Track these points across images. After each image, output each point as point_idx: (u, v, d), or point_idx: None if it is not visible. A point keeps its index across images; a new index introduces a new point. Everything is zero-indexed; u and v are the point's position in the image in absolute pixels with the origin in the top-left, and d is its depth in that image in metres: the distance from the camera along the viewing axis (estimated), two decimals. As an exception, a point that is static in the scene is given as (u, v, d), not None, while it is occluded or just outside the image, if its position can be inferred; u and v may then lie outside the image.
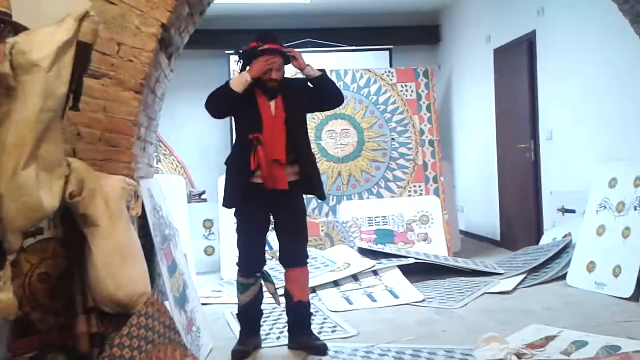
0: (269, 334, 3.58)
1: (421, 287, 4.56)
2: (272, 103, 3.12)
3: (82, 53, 2.11)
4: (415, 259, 4.99)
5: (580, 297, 4.19)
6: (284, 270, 3.32)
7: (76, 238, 2.55)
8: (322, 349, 3.16)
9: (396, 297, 4.35)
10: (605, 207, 4.51)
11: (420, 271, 4.89)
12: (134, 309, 2.52)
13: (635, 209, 4.24)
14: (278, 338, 3.51)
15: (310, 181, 3.19)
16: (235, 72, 6.76)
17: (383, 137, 6.52)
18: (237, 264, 3.24)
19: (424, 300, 4.28)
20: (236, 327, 3.48)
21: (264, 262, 3.31)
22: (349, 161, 6.90)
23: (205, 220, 5.77)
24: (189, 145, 7.54)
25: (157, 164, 6.38)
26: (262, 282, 3.26)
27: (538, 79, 5.80)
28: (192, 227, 5.33)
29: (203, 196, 6.08)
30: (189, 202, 5.54)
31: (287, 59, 3.14)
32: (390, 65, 7.61)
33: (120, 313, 2.55)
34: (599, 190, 4.62)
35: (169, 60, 3.15)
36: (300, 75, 3.27)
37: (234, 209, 3.25)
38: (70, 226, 2.55)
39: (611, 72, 4.69)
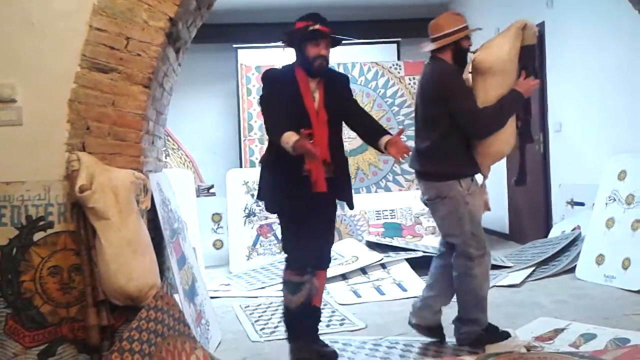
0: (277, 326, 3.60)
1: (429, 281, 4.55)
2: (317, 92, 2.88)
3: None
4: (424, 252, 4.99)
5: (589, 290, 4.17)
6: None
7: (86, 231, 2.57)
8: (333, 357, 2.98)
9: (404, 290, 4.36)
10: (614, 200, 4.49)
11: (428, 264, 4.84)
12: (143, 301, 2.54)
13: (645, 202, 4.22)
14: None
15: (340, 187, 2.94)
16: (242, 66, 6.82)
17: (391, 131, 6.50)
18: (287, 260, 2.94)
19: (432, 293, 4.27)
20: (245, 320, 3.49)
21: (316, 257, 2.96)
22: (357, 155, 6.89)
23: (214, 214, 5.80)
24: (198, 139, 7.56)
25: (165, 158, 6.41)
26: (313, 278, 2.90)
27: (547, 71, 5.76)
28: (201, 221, 5.36)
29: (212, 190, 6.10)
30: (197, 196, 5.57)
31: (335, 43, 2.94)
32: (398, 58, 7.59)
33: (130, 306, 2.58)
34: (609, 182, 4.59)
35: (177, 54, 3.16)
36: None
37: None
38: (81, 220, 2.58)
39: (621, 64, 4.65)
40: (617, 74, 4.69)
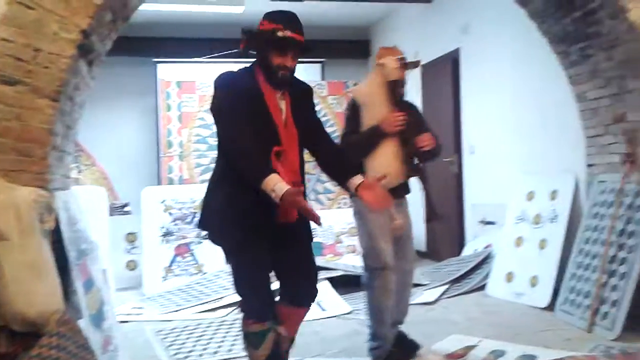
0: (191, 351, 3.48)
1: (349, 299, 4.58)
2: (283, 103, 2.41)
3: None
4: (344, 270, 5.02)
5: (500, 307, 4.33)
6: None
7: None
8: None
9: (323, 310, 4.35)
10: (523, 219, 4.71)
11: (348, 283, 4.92)
12: (45, 328, 2.39)
13: (551, 221, 4.45)
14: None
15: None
16: (162, 81, 6.66)
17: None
18: (244, 309, 2.42)
19: (351, 312, 4.30)
20: (158, 345, 3.36)
21: (293, 294, 2.51)
22: (279, 173, 6.87)
23: (128, 234, 5.57)
24: (114, 155, 7.29)
25: (78, 174, 6.13)
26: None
27: (462, 95, 6.01)
28: (114, 241, 5.14)
29: (126, 208, 5.88)
30: (110, 214, 5.33)
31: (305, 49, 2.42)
32: (322, 79, 7.68)
33: (31, 332, 2.41)
34: (518, 202, 4.82)
35: (89, 67, 3.03)
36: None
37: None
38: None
39: (530, 89, 4.91)
40: (527, 99, 4.96)
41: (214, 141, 6.73)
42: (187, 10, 6.73)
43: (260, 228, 2.34)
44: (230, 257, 2.43)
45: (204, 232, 2.64)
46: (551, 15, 3.81)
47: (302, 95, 2.53)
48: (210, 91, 6.88)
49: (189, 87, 6.73)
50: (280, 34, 2.31)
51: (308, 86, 2.61)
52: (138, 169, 7.30)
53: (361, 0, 6.57)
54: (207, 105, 7.01)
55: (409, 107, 3.26)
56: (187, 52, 7.18)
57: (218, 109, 2.35)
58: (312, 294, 2.52)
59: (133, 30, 6.24)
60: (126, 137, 7.57)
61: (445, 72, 6.22)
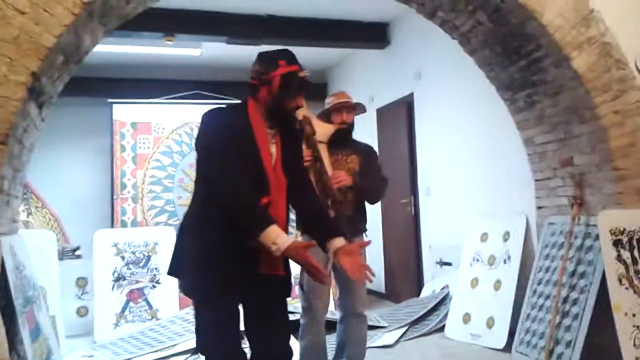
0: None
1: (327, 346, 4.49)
2: (273, 145, 2.25)
3: None
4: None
5: (458, 349, 4.34)
6: None
7: None
8: None
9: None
10: (478, 260, 4.78)
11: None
12: (-14, 381, 2.27)
13: (504, 262, 4.52)
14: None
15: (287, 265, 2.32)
16: (117, 122, 6.58)
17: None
18: None
19: None
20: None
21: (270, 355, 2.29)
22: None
23: (78, 279, 5.37)
24: (66, 197, 7.10)
25: (27, 217, 5.93)
26: None
27: (416, 138, 6.14)
28: (64, 286, 4.94)
29: (77, 252, 5.68)
30: (60, 258, 5.14)
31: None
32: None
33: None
34: (472, 244, 4.90)
35: (39, 110, 2.97)
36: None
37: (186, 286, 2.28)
38: None
39: (481, 134, 5.06)
40: (479, 142, 5.10)
41: (169, 183, 6.67)
42: (144, 52, 6.72)
43: (240, 280, 2.13)
44: (202, 310, 2.16)
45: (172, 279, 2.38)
46: (498, 64, 3.97)
47: (292, 139, 2.36)
48: (163, 132, 6.79)
49: (145, 128, 6.68)
50: (301, 74, 2.22)
51: (297, 131, 2.49)
52: (90, 211, 7.12)
53: (316, 45, 6.71)
54: (162, 147, 6.99)
55: (355, 148, 3.32)
56: (143, 92, 7.14)
57: (208, 148, 2.13)
58: (287, 354, 2.26)
59: (88, 71, 6.17)
60: (79, 179, 7.41)
61: (400, 115, 6.36)
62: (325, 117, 3.32)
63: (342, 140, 3.25)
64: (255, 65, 2.25)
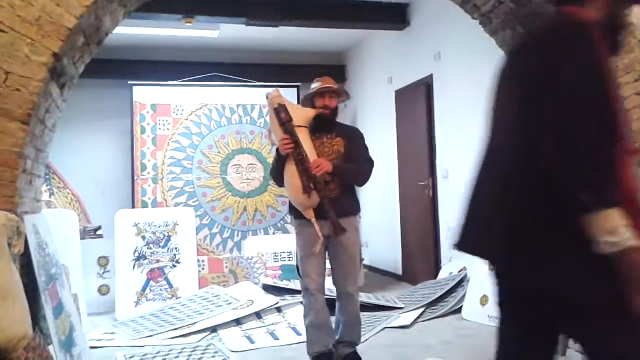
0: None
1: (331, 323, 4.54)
2: None
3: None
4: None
5: (475, 331, 4.35)
6: None
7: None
8: None
9: (299, 334, 4.32)
10: (496, 243, 4.75)
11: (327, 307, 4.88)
12: (13, 354, 2.33)
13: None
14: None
15: None
16: (137, 104, 6.64)
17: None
18: None
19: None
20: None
21: None
22: (255, 196, 6.87)
23: (100, 258, 5.49)
24: (88, 178, 7.20)
25: (50, 197, 6.04)
26: None
27: (435, 120, 6.09)
28: (86, 266, 5.05)
29: (99, 232, 5.79)
30: (83, 238, 5.24)
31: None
32: (298, 102, 7.72)
33: (-3, 360, 2.34)
34: (491, 226, 4.86)
35: (61, 91, 3.02)
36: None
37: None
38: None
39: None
40: (497, 125, 5.04)
41: (188, 164, 6.73)
42: (163, 34, 6.75)
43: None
44: (622, 331, 1.46)
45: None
46: (520, 43, 3.91)
47: None
48: (183, 114, 6.79)
49: (164, 110, 6.72)
50: None
51: None
52: (111, 192, 7.23)
53: (335, 27, 6.67)
54: (182, 129, 7.03)
55: (341, 131, 3.43)
56: (163, 75, 7.17)
57: (574, 93, 1.44)
58: None
59: (109, 53, 6.23)
60: (100, 160, 7.50)
61: (419, 97, 6.32)
62: (310, 101, 3.44)
63: (326, 123, 3.38)
64: None
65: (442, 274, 5.64)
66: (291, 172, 3.22)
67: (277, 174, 3.37)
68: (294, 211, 3.39)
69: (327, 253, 3.41)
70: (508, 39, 3.95)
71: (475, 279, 4.83)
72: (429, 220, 6.12)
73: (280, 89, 3.66)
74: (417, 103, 6.39)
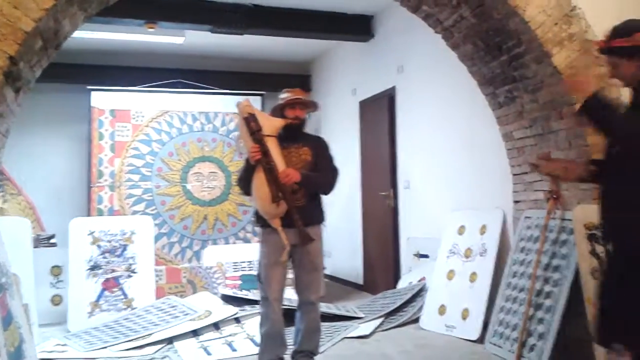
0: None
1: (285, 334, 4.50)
2: None
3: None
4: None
5: (433, 340, 4.39)
6: None
7: None
8: None
9: (257, 345, 4.25)
10: (454, 253, 4.82)
11: (284, 317, 4.84)
12: (-44, 369, 2.23)
13: (480, 255, 4.57)
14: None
15: None
16: (95, 109, 6.50)
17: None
18: None
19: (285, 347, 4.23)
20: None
21: None
22: (216, 205, 6.81)
23: (53, 267, 5.31)
24: (43, 184, 7.01)
25: (3, 204, 5.85)
26: None
27: (397, 131, 6.16)
28: (38, 275, 4.88)
29: (52, 240, 5.61)
30: (35, 246, 5.07)
31: None
32: (262, 110, 7.69)
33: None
34: (450, 236, 4.94)
35: (16, 95, 2.92)
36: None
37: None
38: None
39: (462, 127, 5.09)
40: (459, 136, 5.13)
41: (147, 171, 6.60)
42: (127, 39, 6.63)
43: None
44: None
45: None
46: (480, 59, 3.99)
47: None
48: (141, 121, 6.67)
49: (124, 115, 6.61)
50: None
51: None
52: (67, 199, 7.04)
53: (301, 37, 6.69)
54: (141, 135, 6.92)
55: (307, 141, 3.50)
56: (127, 80, 7.05)
57: None
58: None
59: (68, 57, 6.09)
60: (55, 166, 7.31)
61: (382, 108, 6.38)
62: (280, 111, 3.46)
63: (294, 133, 3.44)
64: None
65: (402, 284, 5.68)
66: (260, 181, 3.24)
67: (244, 183, 3.39)
68: (260, 220, 3.40)
69: (290, 262, 3.41)
70: (469, 52, 4.04)
71: (433, 288, 4.88)
72: (389, 230, 6.17)
73: (244, 97, 3.71)
74: (380, 114, 6.45)
